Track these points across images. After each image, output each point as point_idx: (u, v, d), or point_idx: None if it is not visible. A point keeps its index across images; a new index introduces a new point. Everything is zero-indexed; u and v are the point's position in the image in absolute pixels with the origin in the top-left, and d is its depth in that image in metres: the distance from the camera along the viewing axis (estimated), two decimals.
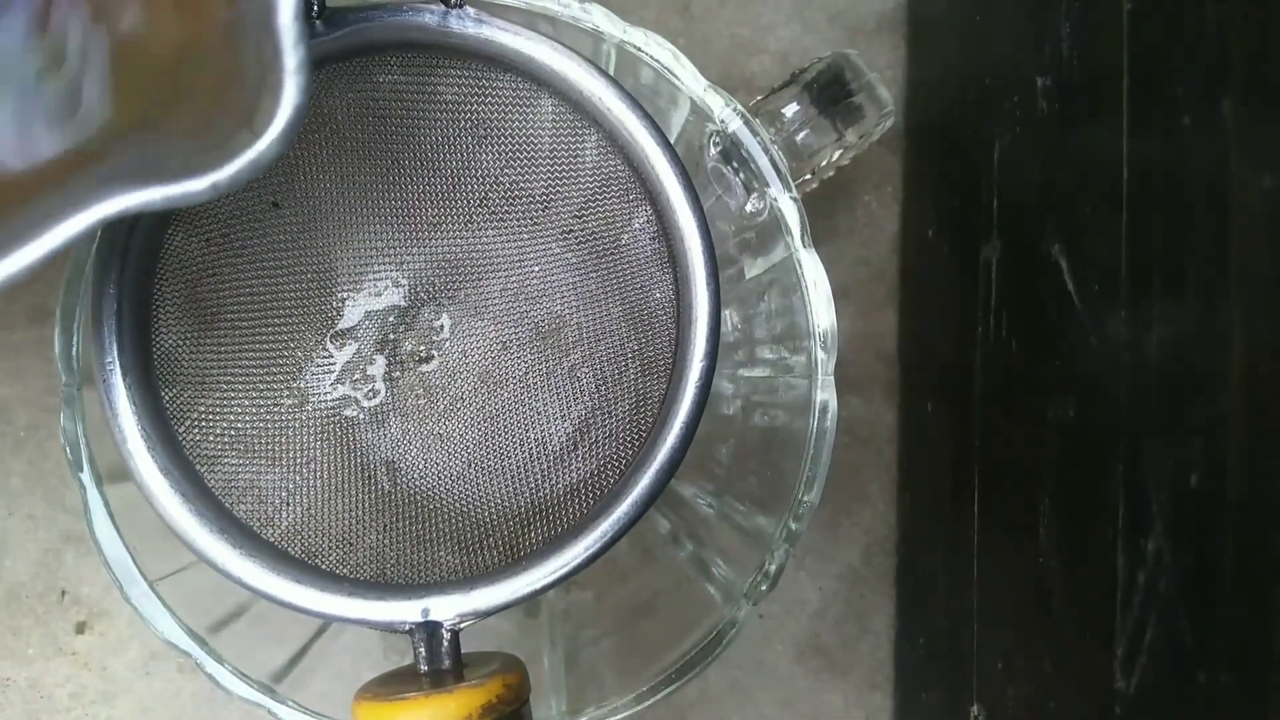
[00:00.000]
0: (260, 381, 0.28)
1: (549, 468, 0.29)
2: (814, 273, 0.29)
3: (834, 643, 0.38)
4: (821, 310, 0.30)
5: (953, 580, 0.33)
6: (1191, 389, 0.21)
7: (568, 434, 0.29)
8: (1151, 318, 0.23)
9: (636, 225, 0.28)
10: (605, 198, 0.28)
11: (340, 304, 0.29)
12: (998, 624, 0.30)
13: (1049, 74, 0.27)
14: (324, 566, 0.27)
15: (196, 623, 0.29)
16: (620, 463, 0.28)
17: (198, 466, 0.26)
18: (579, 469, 0.29)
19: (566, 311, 0.29)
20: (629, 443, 0.28)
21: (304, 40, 0.20)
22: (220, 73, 0.21)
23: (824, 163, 0.32)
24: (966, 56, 0.34)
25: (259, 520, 0.27)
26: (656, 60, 0.29)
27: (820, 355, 0.30)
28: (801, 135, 0.32)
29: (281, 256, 0.28)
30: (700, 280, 0.26)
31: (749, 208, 0.31)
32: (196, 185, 0.20)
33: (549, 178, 0.28)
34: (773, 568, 0.30)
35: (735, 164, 0.30)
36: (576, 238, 0.29)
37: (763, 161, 0.30)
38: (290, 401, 0.28)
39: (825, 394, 0.30)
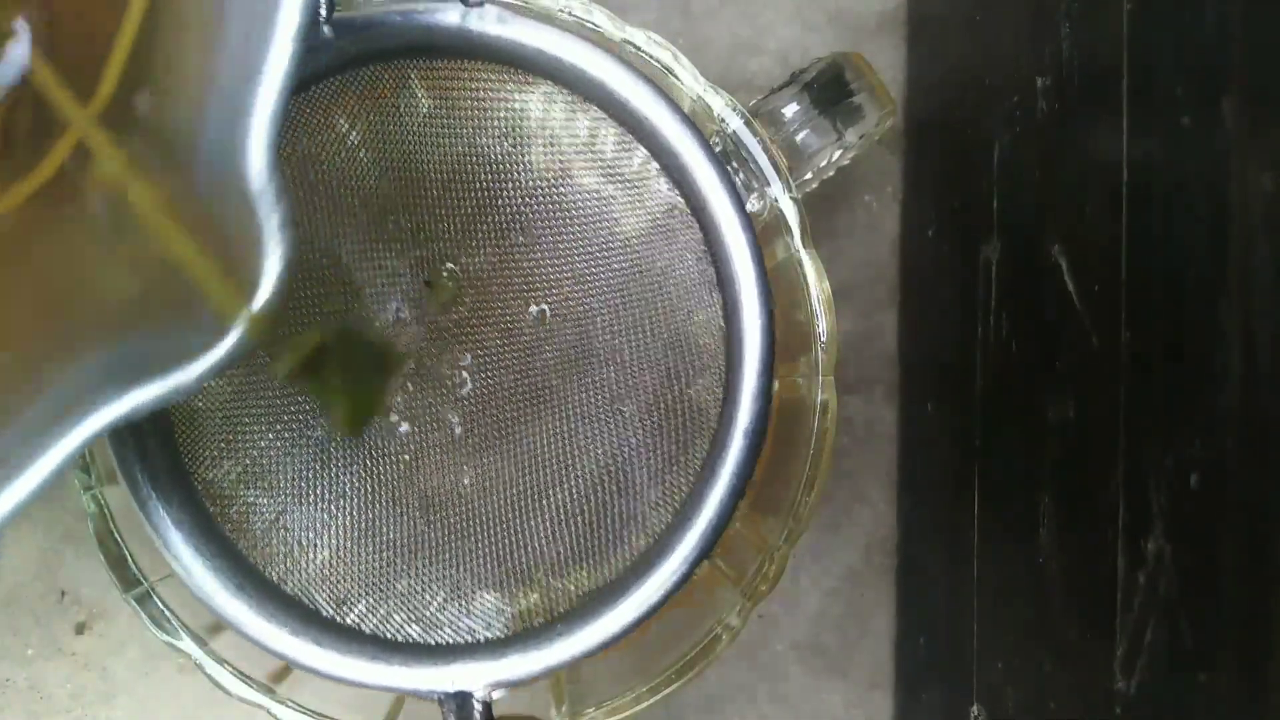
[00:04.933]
0: (285, 413, 0.26)
1: (590, 509, 0.27)
2: (814, 273, 0.29)
3: (834, 643, 0.38)
4: (821, 310, 0.30)
5: (953, 580, 0.33)
6: (1191, 389, 0.21)
7: (610, 473, 0.27)
8: (1151, 318, 0.23)
9: (681, 244, 0.26)
10: (648, 214, 0.26)
11: (369, 325, 0.28)
12: (998, 624, 0.30)
13: (1049, 74, 0.27)
14: (352, 617, 0.25)
15: (196, 623, 0.29)
16: (668, 508, 0.26)
17: (211, 507, 0.24)
18: (623, 512, 0.26)
19: (607, 338, 0.27)
20: (676, 486, 0.26)
21: (282, 196, 0.18)
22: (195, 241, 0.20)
23: (824, 163, 0.32)
24: (966, 56, 0.34)
25: (284, 564, 0.25)
26: (656, 60, 0.29)
27: (820, 355, 0.30)
28: (801, 135, 0.31)
29: (297, 281, 0.27)
30: (752, 309, 0.23)
31: (749, 208, 0.31)
32: (185, 378, 0.18)
33: (587, 192, 0.27)
34: (773, 568, 0.30)
35: (735, 164, 0.30)
36: (617, 257, 0.27)
37: (763, 161, 0.30)
38: (318, 434, 0.27)
39: (825, 394, 0.30)
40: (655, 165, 0.25)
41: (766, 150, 0.30)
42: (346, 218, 0.27)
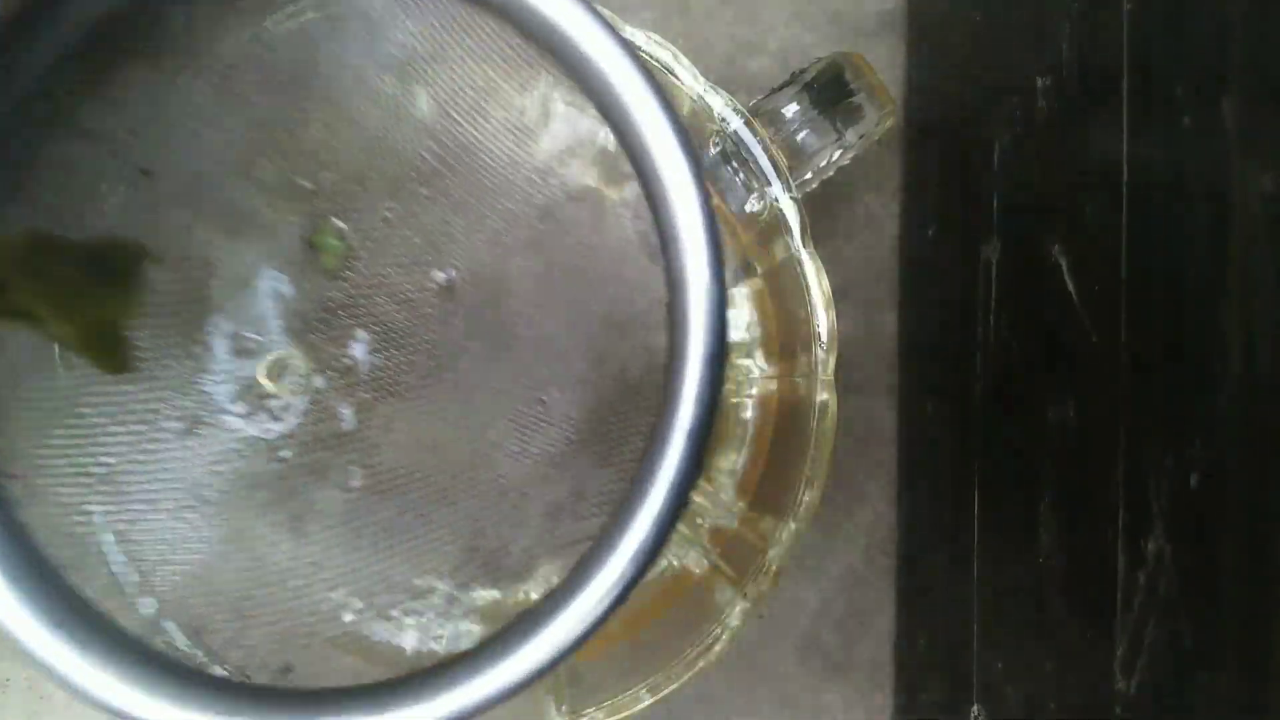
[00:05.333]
0: (134, 401, 0.22)
1: (504, 522, 0.22)
2: (814, 273, 0.29)
3: (834, 643, 0.38)
4: (821, 310, 0.29)
5: (953, 580, 0.33)
6: (1191, 389, 0.21)
7: (529, 476, 0.22)
8: (1151, 318, 0.23)
9: (618, 201, 0.21)
10: (577, 161, 0.22)
11: (235, 299, 0.23)
12: (998, 624, 0.30)
13: (1049, 74, 0.27)
14: (204, 651, 0.20)
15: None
16: (596, 522, 0.20)
17: (26, 519, 0.19)
18: (541, 527, 0.22)
19: (528, 313, 0.23)
20: (605, 496, 0.21)
21: None
22: None
23: (824, 163, 0.32)
24: (966, 56, 0.34)
25: (130, 585, 0.20)
26: (656, 60, 0.29)
27: (820, 355, 0.30)
28: (801, 135, 0.31)
29: (157, 239, 0.22)
30: (699, 281, 0.18)
31: (749, 208, 0.31)
32: None
33: (503, 134, 0.21)
34: (773, 568, 0.30)
35: (735, 164, 0.30)
36: (539, 216, 0.22)
37: (763, 161, 0.30)
38: (175, 426, 0.22)
39: (825, 394, 0.30)
40: (586, 100, 0.19)
41: (766, 150, 0.30)
42: (211, 165, 0.22)
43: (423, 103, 0.22)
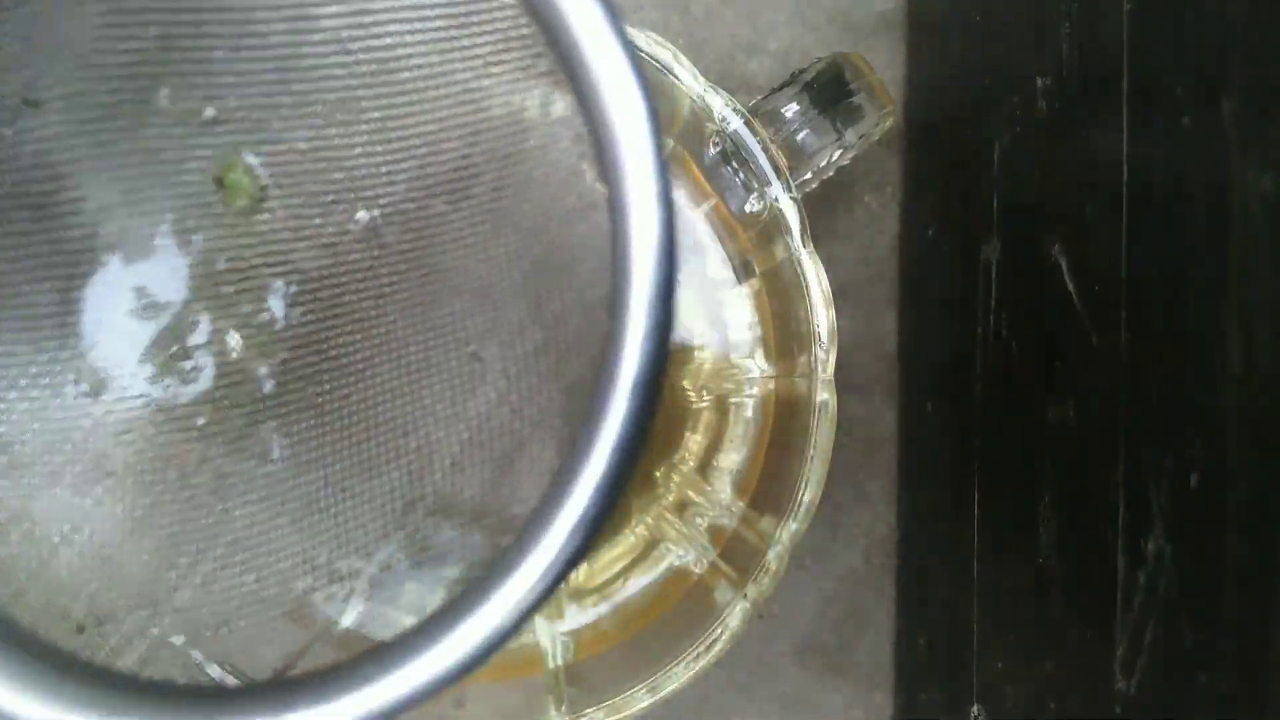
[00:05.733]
0: (30, 364, 0.20)
1: (433, 492, 0.20)
2: (814, 273, 0.29)
3: (834, 643, 0.38)
4: (821, 310, 0.30)
5: (953, 580, 0.33)
6: (1191, 389, 0.21)
7: (463, 442, 0.20)
8: (1151, 318, 0.23)
9: (552, 118, 0.18)
10: (509, 79, 0.19)
11: (136, 246, 0.21)
12: (998, 624, 0.30)
13: (1049, 74, 0.27)
14: (108, 646, 0.18)
15: None
16: (534, 491, 0.18)
17: None
18: (476, 496, 0.20)
19: (458, 255, 0.21)
20: (543, 460, 0.20)
21: None
22: None
23: (824, 163, 0.32)
24: (966, 56, 0.34)
25: (23, 569, 0.19)
26: (656, 60, 0.29)
27: (820, 355, 0.30)
28: (801, 135, 0.31)
29: (50, 175, 0.20)
30: (645, 210, 0.16)
31: (749, 208, 0.31)
32: None
33: (415, 40, 0.19)
34: (773, 568, 0.30)
35: (735, 164, 0.30)
36: (466, 141, 0.20)
37: (763, 161, 0.30)
38: (79, 389, 0.20)
39: (825, 394, 0.30)
40: (514, 2, 0.18)
41: (766, 150, 0.30)
42: (103, 95, 0.20)
43: (331, 8, 0.19)
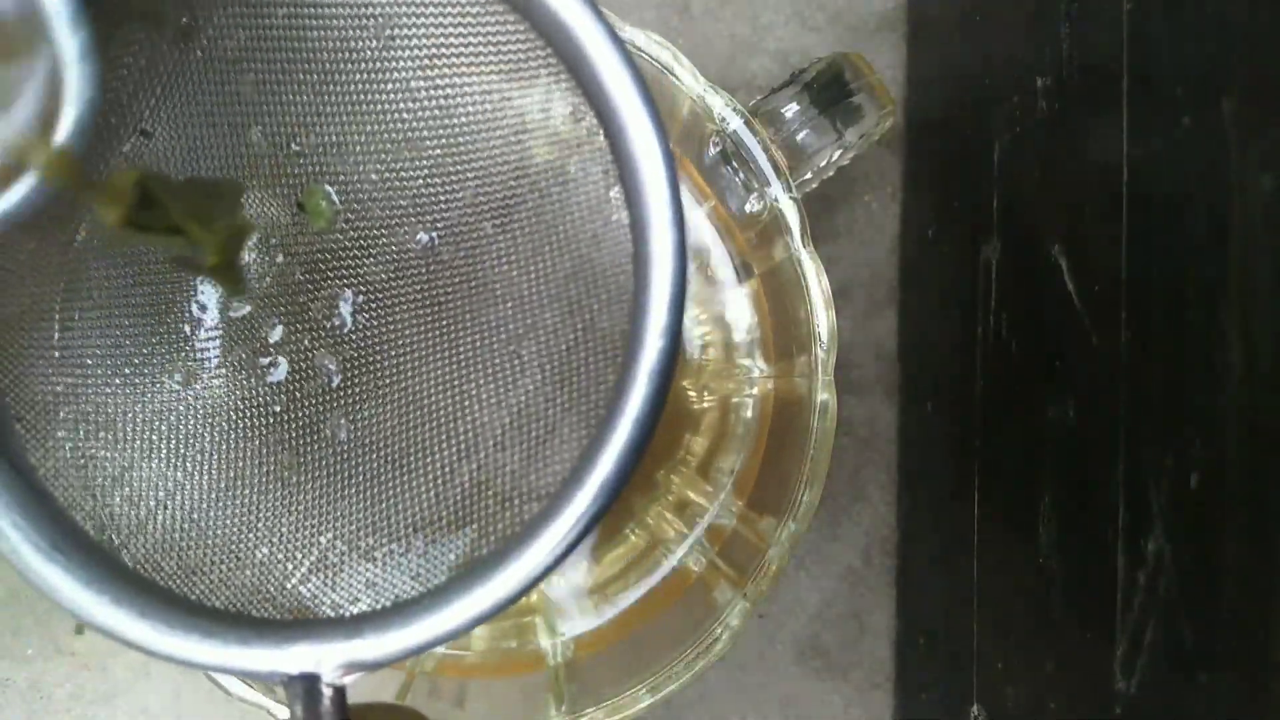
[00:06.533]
0: (134, 355, 0.23)
1: (479, 468, 0.23)
2: (814, 273, 0.29)
3: (834, 643, 0.38)
4: (821, 310, 0.30)
5: (953, 581, 0.33)
6: (1191, 389, 0.21)
7: (504, 426, 0.23)
8: (1151, 318, 0.23)
9: (585, 156, 0.22)
10: (548, 121, 0.23)
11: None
12: (998, 624, 0.30)
13: (1049, 74, 0.27)
14: (197, 591, 0.21)
15: None
16: (564, 465, 0.22)
17: (33, 458, 0.21)
18: (515, 470, 0.23)
19: (503, 269, 0.24)
20: (573, 440, 0.23)
21: (82, 21, 0.16)
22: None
23: (824, 163, 0.32)
24: (966, 56, 0.34)
25: (127, 526, 0.22)
26: (656, 60, 0.29)
27: (820, 355, 0.30)
28: (801, 135, 0.31)
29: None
30: (662, 226, 0.20)
31: (749, 208, 0.31)
32: None
33: (478, 96, 0.23)
34: (773, 568, 0.30)
35: (735, 164, 0.30)
36: (513, 173, 0.23)
37: (763, 161, 0.30)
38: (174, 379, 0.24)
39: (825, 394, 0.30)
40: (556, 62, 0.21)
41: (766, 150, 0.30)
42: (204, 129, 0.23)
43: (402, 63, 0.23)
